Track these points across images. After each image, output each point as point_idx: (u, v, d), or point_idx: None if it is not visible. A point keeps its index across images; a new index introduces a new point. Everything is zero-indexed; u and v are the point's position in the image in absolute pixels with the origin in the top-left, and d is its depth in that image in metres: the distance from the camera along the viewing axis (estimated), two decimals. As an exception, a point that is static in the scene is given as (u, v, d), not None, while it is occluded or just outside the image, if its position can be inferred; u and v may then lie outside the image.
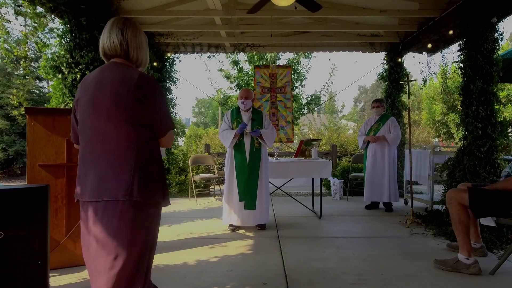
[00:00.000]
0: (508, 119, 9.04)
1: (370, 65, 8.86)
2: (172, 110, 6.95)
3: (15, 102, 4.48)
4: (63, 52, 4.01)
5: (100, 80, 1.62)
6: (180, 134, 17.62)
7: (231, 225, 4.18)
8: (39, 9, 4.00)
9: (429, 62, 6.17)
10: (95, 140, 1.62)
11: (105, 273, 1.55)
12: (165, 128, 1.67)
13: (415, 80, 5.20)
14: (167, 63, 6.80)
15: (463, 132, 4.21)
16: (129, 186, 1.55)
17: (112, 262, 1.55)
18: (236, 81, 11.12)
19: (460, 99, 4.30)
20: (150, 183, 1.61)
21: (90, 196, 1.59)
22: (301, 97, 11.55)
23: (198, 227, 4.36)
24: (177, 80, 7.05)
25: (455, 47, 5.51)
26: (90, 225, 1.60)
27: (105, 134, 1.60)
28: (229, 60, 10.76)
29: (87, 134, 1.65)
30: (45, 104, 9.46)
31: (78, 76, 3.90)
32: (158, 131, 1.66)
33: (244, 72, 11.03)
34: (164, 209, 4.55)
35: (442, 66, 6.29)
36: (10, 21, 4.17)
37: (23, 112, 4.66)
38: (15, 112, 4.67)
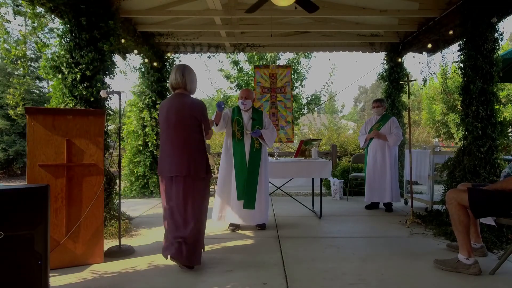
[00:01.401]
0: (508, 119, 9.03)
1: (370, 65, 8.86)
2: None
3: (11, 102, 4.47)
4: (63, 52, 4.00)
5: (171, 105, 2.91)
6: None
7: (231, 224, 4.18)
8: (39, 9, 3.99)
9: (429, 62, 6.17)
10: (169, 141, 2.90)
11: (183, 219, 2.84)
12: (207, 130, 3.00)
13: (415, 80, 5.20)
14: (167, 63, 6.80)
15: (463, 132, 4.21)
16: (189, 167, 2.83)
17: (189, 211, 2.83)
18: (236, 81, 11.12)
19: (460, 99, 4.30)
20: (199, 166, 2.87)
21: (168, 173, 2.88)
22: (301, 97, 11.55)
23: (198, 227, 4.35)
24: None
25: (455, 47, 5.50)
26: (168, 190, 2.89)
27: (174, 138, 2.88)
28: (229, 60, 10.76)
29: (165, 138, 2.94)
30: (45, 104, 9.45)
31: (78, 76, 3.89)
32: (205, 132, 2.98)
33: (244, 72, 11.03)
34: (164, 209, 4.19)
35: (442, 66, 6.28)
36: (10, 21, 4.16)
37: (20, 112, 4.65)
38: (11, 112, 4.66)
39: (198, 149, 2.90)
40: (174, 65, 3.05)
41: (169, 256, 2.85)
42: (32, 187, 2.21)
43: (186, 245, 2.80)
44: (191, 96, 2.98)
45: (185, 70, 2.92)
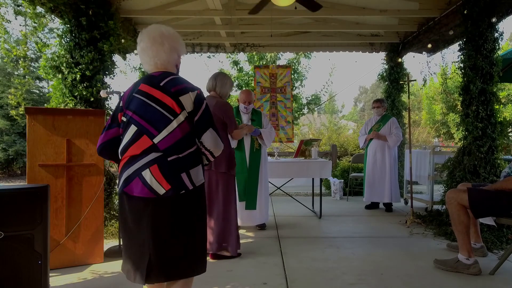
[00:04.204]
0: (508, 119, 9.04)
1: (370, 65, 8.91)
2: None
3: (13, 102, 4.48)
4: (63, 52, 4.00)
5: None
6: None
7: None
8: (39, 9, 3.99)
9: (429, 62, 6.18)
10: None
11: (216, 207, 3.21)
12: (231, 129, 3.26)
13: (415, 80, 5.20)
14: (167, 63, 6.79)
15: (463, 132, 4.21)
16: (210, 162, 2.86)
17: (219, 200, 3.21)
18: (236, 81, 11.12)
19: (460, 99, 4.30)
20: (220, 161, 3.12)
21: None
22: (301, 97, 11.55)
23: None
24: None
25: (455, 47, 5.51)
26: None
27: None
28: (229, 60, 10.76)
29: None
30: (45, 104, 9.45)
31: (78, 76, 3.89)
32: (229, 131, 3.26)
33: (244, 72, 11.03)
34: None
35: (442, 66, 6.29)
36: (10, 21, 4.16)
37: (22, 112, 4.65)
38: (13, 112, 4.66)
39: (225, 145, 3.28)
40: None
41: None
42: (32, 187, 2.21)
43: (216, 238, 3.18)
44: (221, 98, 3.30)
45: (217, 76, 3.30)
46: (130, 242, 1.64)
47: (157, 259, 1.58)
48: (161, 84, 1.67)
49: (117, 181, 3.99)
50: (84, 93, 3.91)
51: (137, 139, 1.63)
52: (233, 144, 3.97)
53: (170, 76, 1.72)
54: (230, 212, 3.29)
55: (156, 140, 1.62)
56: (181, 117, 1.64)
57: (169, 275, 1.63)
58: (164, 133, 1.62)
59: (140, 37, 1.76)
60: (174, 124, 1.63)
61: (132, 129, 1.65)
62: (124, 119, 1.69)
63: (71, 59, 3.94)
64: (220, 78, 3.29)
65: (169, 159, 1.61)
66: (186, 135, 1.66)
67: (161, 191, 1.59)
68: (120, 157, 1.70)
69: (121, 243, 1.68)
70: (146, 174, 1.59)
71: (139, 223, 1.61)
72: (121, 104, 1.74)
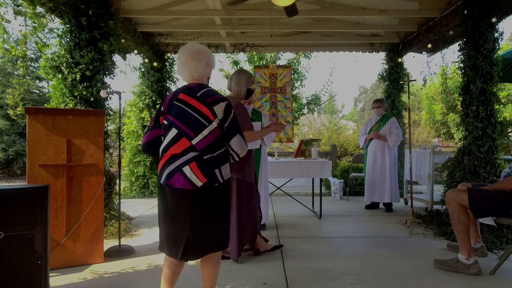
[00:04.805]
0: (508, 119, 9.03)
1: (370, 65, 8.90)
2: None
3: (10, 102, 4.47)
4: (63, 52, 4.00)
5: None
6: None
7: (231, 225, 4.17)
8: (39, 9, 3.99)
9: (429, 62, 6.18)
10: None
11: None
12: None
13: (415, 80, 5.20)
14: (167, 63, 6.79)
15: (463, 132, 4.21)
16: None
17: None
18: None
19: (460, 99, 4.30)
20: (233, 167, 2.93)
21: None
22: (301, 97, 11.55)
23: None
24: (177, 80, 7.06)
25: (455, 47, 5.51)
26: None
27: None
28: (229, 60, 10.76)
29: None
30: (45, 104, 9.45)
31: (78, 76, 3.89)
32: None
33: (244, 72, 11.01)
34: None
35: (442, 66, 6.29)
36: (10, 21, 4.16)
37: (19, 112, 4.65)
38: (10, 112, 4.66)
39: None
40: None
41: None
42: (32, 187, 2.21)
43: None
44: (238, 97, 3.19)
45: (232, 75, 3.26)
46: (171, 226, 1.94)
47: (193, 239, 1.92)
48: (198, 94, 1.99)
49: (117, 181, 4.00)
50: (84, 93, 3.91)
51: (177, 141, 1.94)
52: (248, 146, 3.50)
53: (205, 88, 2.04)
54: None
55: (194, 141, 1.93)
56: (214, 124, 1.97)
57: (201, 252, 1.98)
58: (200, 136, 1.94)
59: (180, 53, 2.07)
60: (209, 129, 1.95)
61: (173, 131, 1.96)
62: (165, 122, 2.00)
63: (71, 59, 3.94)
64: (234, 77, 3.25)
65: (204, 157, 1.93)
66: (218, 138, 1.98)
67: (199, 183, 1.91)
68: (161, 155, 1.99)
69: (160, 228, 1.99)
70: (186, 169, 1.90)
71: (179, 210, 1.92)
72: (162, 109, 2.04)
